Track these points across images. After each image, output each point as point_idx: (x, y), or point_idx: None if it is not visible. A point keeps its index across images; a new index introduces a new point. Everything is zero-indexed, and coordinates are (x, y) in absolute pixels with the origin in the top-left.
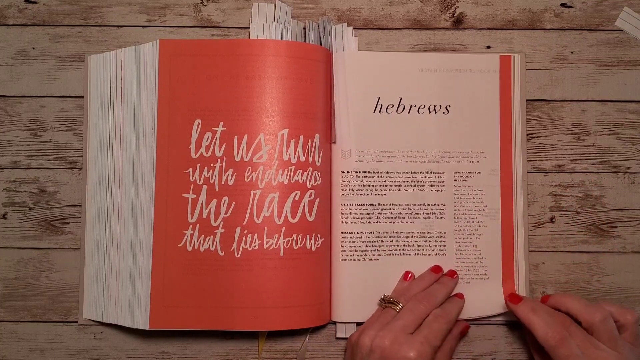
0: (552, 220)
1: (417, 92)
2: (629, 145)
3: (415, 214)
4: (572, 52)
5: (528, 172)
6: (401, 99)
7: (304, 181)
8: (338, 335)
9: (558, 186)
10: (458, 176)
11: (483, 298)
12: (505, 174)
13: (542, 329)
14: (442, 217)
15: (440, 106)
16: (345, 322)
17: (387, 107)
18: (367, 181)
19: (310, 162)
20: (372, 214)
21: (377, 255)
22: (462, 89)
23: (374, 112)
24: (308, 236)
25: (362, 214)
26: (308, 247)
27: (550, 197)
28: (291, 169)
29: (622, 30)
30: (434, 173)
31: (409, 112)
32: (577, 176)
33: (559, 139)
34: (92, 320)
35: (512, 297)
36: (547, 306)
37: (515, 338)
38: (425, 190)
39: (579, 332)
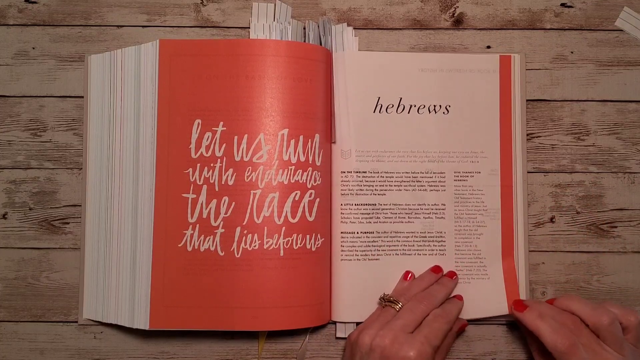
0: (552, 220)
1: (417, 92)
2: (629, 145)
3: (415, 214)
4: (572, 52)
5: (528, 172)
6: (401, 99)
7: (304, 181)
8: (338, 335)
9: (558, 186)
10: (458, 176)
11: (483, 298)
12: (505, 174)
13: (551, 335)
14: (442, 217)
15: (440, 106)
16: (345, 322)
17: (387, 107)
18: (367, 181)
19: (310, 162)
20: (372, 214)
21: (377, 255)
22: (462, 89)
23: (374, 112)
24: (308, 236)
25: (362, 214)
26: (308, 247)
27: (550, 197)
28: (291, 169)
29: (622, 30)
30: (433, 173)
31: (408, 112)
32: (577, 176)
33: (559, 139)
34: (92, 320)
35: (518, 305)
36: (552, 308)
37: (515, 338)
38: (425, 190)
39: (587, 334)
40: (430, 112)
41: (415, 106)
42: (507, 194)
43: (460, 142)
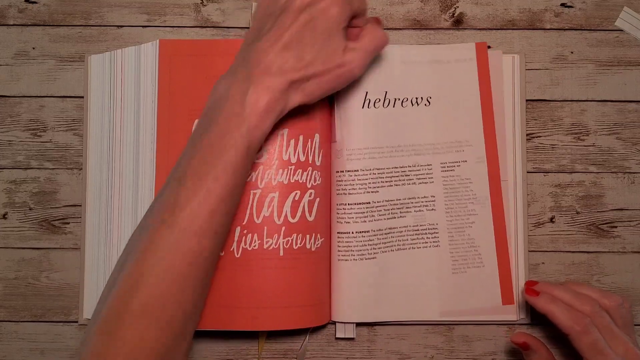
0: (552, 220)
1: (400, 85)
2: (629, 145)
3: (407, 208)
4: (572, 52)
5: (528, 172)
6: (386, 92)
7: (304, 181)
8: (338, 335)
9: (558, 186)
10: (445, 167)
11: (480, 287)
12: (492, 161)
13: (567, 317)
14: (433, 209)
15: (422, 98)
16: (345, 322)
17: (374, 102)
18: (359, 179)
19: (310, 162)
20: (367, 212)
21: (374, 253)
22: (442, 79)
23: (363, 107)
24: (308, 236)
25: (356, 213)
26: (308, 247)
27: (550, 197)
28: (291, 169)
29: (622, 30)
30: (420, 166)
31: (394, 106)
32: (577, 176)
33: (559, 139)
34: None
35: (529, 291)
36: (564, 289)
37: None
38: (414, 183)
39: (604, 314)
40: (413, 104)
41: (399, 99)
42: (495, 180)
43: (445, 132)
